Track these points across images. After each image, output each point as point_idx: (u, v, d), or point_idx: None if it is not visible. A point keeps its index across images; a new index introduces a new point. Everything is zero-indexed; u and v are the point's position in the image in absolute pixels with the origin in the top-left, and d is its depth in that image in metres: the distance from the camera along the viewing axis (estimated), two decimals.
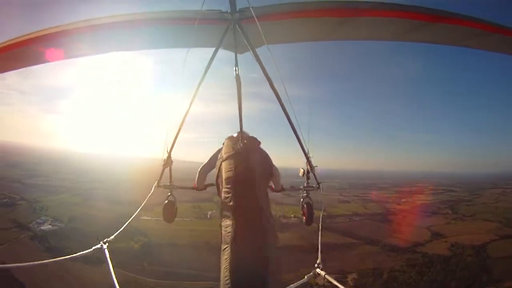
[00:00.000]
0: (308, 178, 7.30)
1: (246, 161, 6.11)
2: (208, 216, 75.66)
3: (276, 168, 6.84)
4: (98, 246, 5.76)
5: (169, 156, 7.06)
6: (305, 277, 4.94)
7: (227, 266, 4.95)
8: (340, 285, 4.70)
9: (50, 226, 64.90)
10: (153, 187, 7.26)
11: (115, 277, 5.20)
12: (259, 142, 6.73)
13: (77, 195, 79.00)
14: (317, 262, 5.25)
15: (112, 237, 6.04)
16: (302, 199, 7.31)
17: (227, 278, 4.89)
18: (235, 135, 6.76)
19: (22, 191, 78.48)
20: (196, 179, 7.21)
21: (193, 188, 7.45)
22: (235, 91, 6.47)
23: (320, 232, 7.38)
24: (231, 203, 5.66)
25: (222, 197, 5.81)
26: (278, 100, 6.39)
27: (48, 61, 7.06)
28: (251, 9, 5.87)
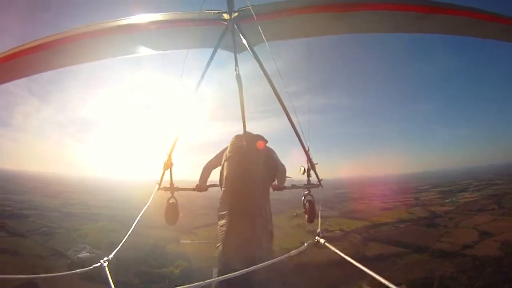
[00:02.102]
0: (309, 176, 7.36)
1: (247, 162, 6.45)
2: None
3: (281, 164, 7.24)
4: (98, 264, 5.35)
5: (169, 158, 7.12)
6: (305, 244, 4.74)
7: (219, 264, 5.53)
8: (340, 252, 4.56)
9: (88, 254, 64.58)
10: (155, 190, 7.31)
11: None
12: (265, 141, 7.08)
13: (115, 221, 78.58)
14: (318, 231, 5.13)
15: (111, 255, 5.57)
16: (303, 197, 7.35)
17: (216, 274, 5.49)
18: (239, 134, 7.21)
19: (60, 220, 78.81)
20: (199, 178, 7.59)
21: (194, 189, 7.69)
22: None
23: (319, 210, 7.01)
24: (227, 205, 6.06)
25: (220, 198, 6.30)
26: (277, 98, 6.58)
27: (50, 69, 7.69)
28: (250, 8, 6.16)
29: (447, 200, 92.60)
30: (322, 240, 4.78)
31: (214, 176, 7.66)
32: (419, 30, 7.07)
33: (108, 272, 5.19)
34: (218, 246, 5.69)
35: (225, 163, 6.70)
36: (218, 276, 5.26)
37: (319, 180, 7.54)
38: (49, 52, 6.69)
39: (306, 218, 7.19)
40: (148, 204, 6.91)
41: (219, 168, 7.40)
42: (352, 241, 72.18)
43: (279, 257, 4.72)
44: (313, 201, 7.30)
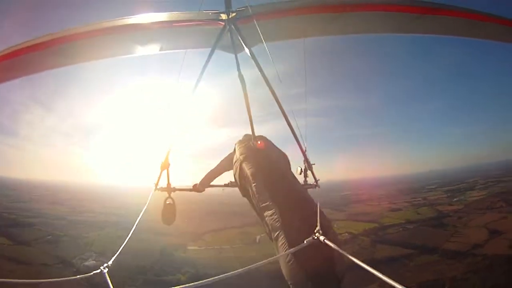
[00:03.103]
0: (306, 176, 7.92)
1: (266, 155, 6.43)
2: (257, 240, 72.97)
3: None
4: (98, 271, 5.44)
5: (166, 159, 7.46)
6: (305, 241, 4.59)
7: (287, 249, 5.02)
8: (340, 249, 4.45)
9: (94, 262, 63.83)
10: (152, 191, 7.72)
11: None
12: (268, 141, 7.00)
13: (122, 229, 76.91)
14: (317, 228, 4.89)
15: (110, 261, 5.75)
16: None
17: (290, 260, 4.94)
18: (241, 138, 7.34)
19: (66, 228, 78.39)
20: (202, 179, 7.81)
21: (191, 190, 7.95)
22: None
23: (318, 206, 6.34)
24: (266, 194, 5.78)
25: (255, 194, 5.95)
26: (274, 98, 6.97)
27: (49, 69, 7.81)
28: (248, 8, 6.56)
29: (455, 199, 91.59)
30: (322, 238, 4.64)
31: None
32: (415, 31, 7.37)
33: (108, 278, 5.23)
34: (277, 234, 5.37)
35: (243, 164, 6.49)
36: (293, 257, 4.94)
37: (316, 181, 7.91)
38: (49, 51, 6.83)
39: None
40: (146, 205, 7.15)
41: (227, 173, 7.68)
42: (361, 244, 71.44)
43: (279, 255, 4.80)
44: None
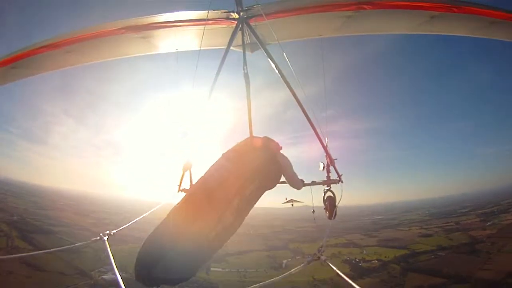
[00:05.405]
0: (328, 171, 7.44)
1: (234, 159, 5.83)
2: (283, 265, 73.34)
3: (286, 167, 6.19)
4: (98, 238, 5.92)
5: (188, 160, 7.07)
6: (306, 261, 4.80)
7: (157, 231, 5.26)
8: (339, 271, 4.60)
9: (113, 276, 64.32)
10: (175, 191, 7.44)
11: (116, 266, 5.46)
12: (274, 143, 6.17)
13: None
14: (320, 247, 5.09)
15: (114, 231, 6.14)
16: (324, 194, 7.49)
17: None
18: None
19: (89, 239, 78.48)
20: None
21: None
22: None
23: (329, 229, 7.13)
24: (194, 188, 6.37)
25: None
26: (293, 95, 6.88)
27: (65, 67, 8.19)
28: (257, 7, 6.69)
29: (488, 223, 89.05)
30: (322, 257, 4.78)
31: None
32: (438, 31, 7.09)
33: (107, 245, 5.80)
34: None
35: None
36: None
37: (339, 176, 7.57)
38: (64, 50, 7.11)
39: (327, 215, 7.41)
40: (161, 204, 7.53)
41: None
42: (391, 272, 69.92)
43: (281, 275, 4.99)
44: (333, 198, 7.41)
